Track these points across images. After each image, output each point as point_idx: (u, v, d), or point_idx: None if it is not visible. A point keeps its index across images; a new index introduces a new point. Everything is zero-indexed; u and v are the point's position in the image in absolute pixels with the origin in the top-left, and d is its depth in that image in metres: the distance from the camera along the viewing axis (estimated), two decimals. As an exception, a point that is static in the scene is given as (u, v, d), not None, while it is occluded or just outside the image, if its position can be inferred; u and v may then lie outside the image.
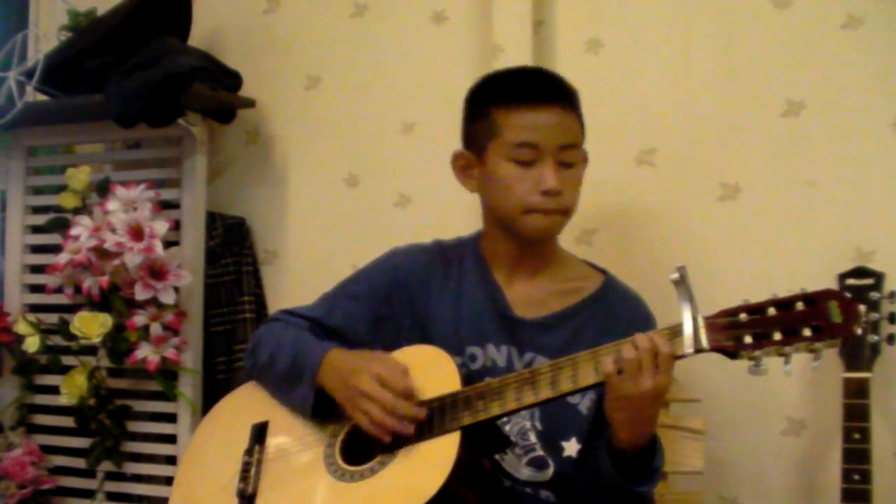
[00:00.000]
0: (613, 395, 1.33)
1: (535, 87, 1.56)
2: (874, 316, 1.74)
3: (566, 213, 1.57)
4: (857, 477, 1.69)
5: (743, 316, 1.29)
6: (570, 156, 1.55)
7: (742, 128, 1.97)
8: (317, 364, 1.52)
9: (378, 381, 1.43)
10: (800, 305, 1.26)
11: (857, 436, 1.70)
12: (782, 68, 1.95)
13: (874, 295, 1.75)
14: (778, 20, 1.95)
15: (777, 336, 1.26)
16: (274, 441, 1.58)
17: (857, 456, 1.70)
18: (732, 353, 1.29)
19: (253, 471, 1.55)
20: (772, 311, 1.28)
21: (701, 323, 1.30)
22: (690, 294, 1.30)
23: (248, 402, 1.67)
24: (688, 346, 1.30)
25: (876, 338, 1.73)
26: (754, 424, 1.94)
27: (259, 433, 1.60)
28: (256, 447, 1.58)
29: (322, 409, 1.53)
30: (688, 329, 1.30)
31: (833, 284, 1.79)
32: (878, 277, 1.76)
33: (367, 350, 1.55)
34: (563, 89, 1.59)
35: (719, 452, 1.93)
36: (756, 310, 1.29)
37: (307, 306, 1.71)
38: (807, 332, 1.25)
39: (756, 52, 1.97)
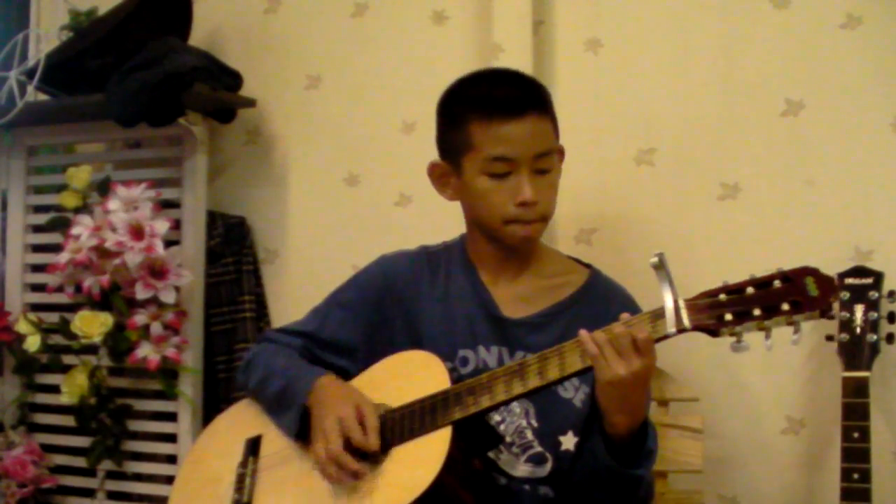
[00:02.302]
0: (601, 380, 1.35)
1: (506, 98, 1.54)
2: (873, 315, 1.74)
3: (545, 219, 1.58)
4: (856, 476, 1.69)
5: (722, 296, 1.31)
6: (546, 162, 1.55)
7: (741, 127, 1.98)
8: (308, 388, 1.54)
9: (339, 425, 1.45)
10: (777, 283, 1.29)
11: (856, 435, 1.70)
12: (781, 68, 1.95)
13: (873, 294, 1.75)
14: (777, 20, 1.95)
15: (757, 312, 1.29)
16: (268, 453, 1.60)
17: (856, 455, 1.70)
18: (714, 331, 1.31)
19: (248, 481, 1.57)
20: (750, 290, 1.30)
21: (682, 304, 1.33)
22: (670, 277, 1.33)
23: (242, 419, 1.68)
24: (670, 326, 1.32)
25: (875, 337, 1.73)
26: (753, 423, 1.95)
27: (253, 446, 1.62)
28: (250, 459, 1.60)
29: (307, 431, 1.54)
30: (669, 310, 1.32)
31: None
32: (877, 277, 1.77)
33: (352, 388, 1.54)
34: (535, 95, 1.57)
35: (718, 451, 1.94)
36: (735, 290, 1.31)
37: (300, 321, 1.73)
38: (785, 307, 1.27)
39: (755, 52, 1.97)
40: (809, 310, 1.27)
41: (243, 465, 1.60)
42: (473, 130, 1.54)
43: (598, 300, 1.61)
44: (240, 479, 1.58)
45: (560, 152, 1.61)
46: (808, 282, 1.28)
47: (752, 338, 1.30)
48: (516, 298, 1.62)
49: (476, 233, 1.64)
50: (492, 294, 1.62)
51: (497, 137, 1.52)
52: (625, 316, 1.37)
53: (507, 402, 1.45)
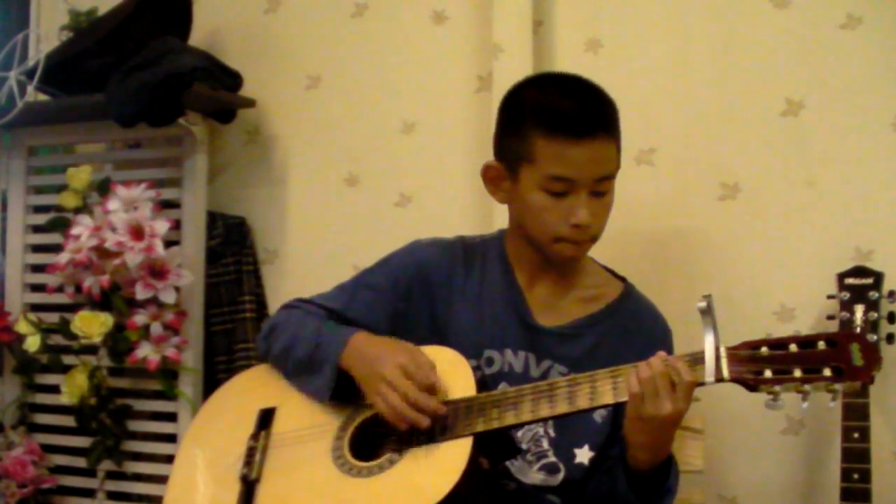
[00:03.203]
0: (633, 416, 1.34)
1: (577, 116, 1.48)
2: (873, 315, 1.74)
3: (594, 240, 1.56)
4: (856, 476, 1.69)
5: (764, 350, 1.30)
6: (605, 185, 1.51)
7: (741, 127, 1.98)
8: (341, 347, 1.51)
9: (403, 372, 1.42)
10: (822, 345, 1.28)
11: (856, 435, 1.70)
12: (782, 68, 1.95)
13: (873, 294, 1.75)
14: (777, 20, 1.95)
15: (797, 373, 1.27)
16: (281, 428, 1.57)
17: (856, 455, 1.70)
18: (752, 386, 1.30)
19: (258, 456, 1.54)
20: (793, 347, 1.29)
21: (723, 353, 1.31)
22: (715, 323, 1.31)
23: (257, 386, 1.66)
24: (709, 375, 1.30)
25: (875, 337, 1.73)
26: (754, 423, 1.94)
27: (266, 418, 1.59)
28: (262, 433, 1.57)
29: (340, 393, 1.52)
30: (709, 358, 1.31)
31: (832, 284, 1.79)
32: (878, 277, 1.77)
33: (391, 338, 1.53)
34: (605, 116, 1.51)
35: (719, 451, 1.94)
36: (778, 344, 1.30)
37: (325, 295, 1.69)
38: (827, 373, 1.26)
39: (755, 52, 1.97)
40: (851, 380, 1.25)
41: (254, 437, 1.57)
42: (536, 143, 1.49)
43: (630, 316, 1.60)
44: (250, 453, 1.55)
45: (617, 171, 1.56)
46: (853, 349, 1.26)
47: (789, 397, 1.29)
48: (550, 306, 1.60)
49: (519, 237, 1.60)
50: (527, 299, 1.60)
51: (560, 157, 1.47)
52: (662, 354, 1.35)
53: (531, 423, 1.44)
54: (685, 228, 2.01)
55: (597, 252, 2.00)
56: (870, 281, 1.76)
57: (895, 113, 1.87)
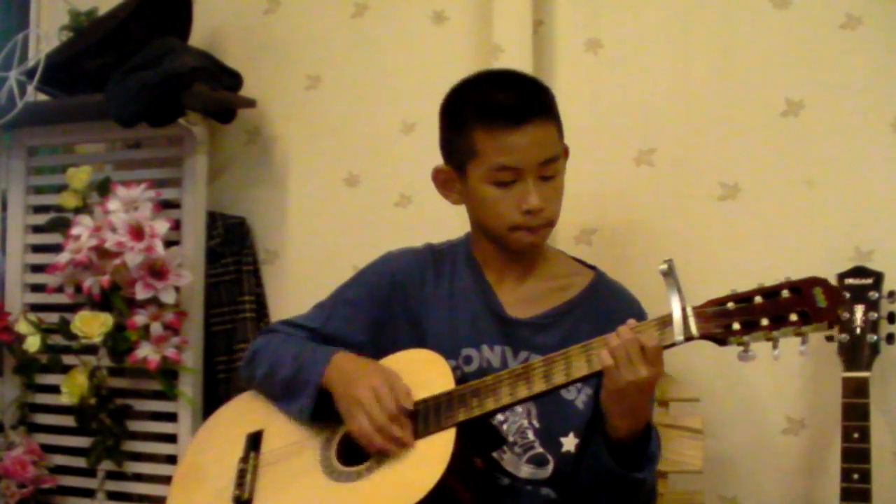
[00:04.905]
0: (611, 387, 1.35)
1: (510, 105, 1.52)
2: (873, 315, 1.74)
3: (551, 224, 1.58)
4: (856, 476, 1.69)
5: (731, 305, 1.32)
6: (551, 168, 1.54)
7: (741, 128, 1.98)
8: (323, 366, 1.53)
9: (374, 395, 1.45)
10: (786, 293, 1.30)
11: (856, 435, 1.70)
12: (781, 68, 1.95)
13: (873, 294, 1.75)
14: (777, 20, 1.95)
15: (764, 322, 1.29)
16: (269, 448, 1.59)
17: (856, 455, 1.70)
18: (721, 340, 1.32)
19: (248, 477, 1.56)
20: (758, 299, 1.31)
21: (690, 312, 1.33)
22: (678, 285, 1.34)
23: (242, 413, 1.68)
24: (678, 334, 1.32)
25: (875, 337, 1.73)
26: (753, 424, 1.95)
27: (254, 441, 1.61)
28: (252, 454, 1.59)
29: (321, 413, 1.54)
30: (677, 318, 1.33)
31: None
32: (877, 277, 1.77)
33: (371, 359, 1.55)
34: (539, 101, 1.55)
35: (718, 452, 1.94)
36: (743, 298, 1.32)
37: (304, 315, 1.72)
38: (793, 318, 1.28)
39: (755, 52, 1.97)
40: (817, 321, 1.28)
41: (244, 459, 1.59)
42: (477, 138, 1.53)
43: (603, 302, 1.61)
44: (240, 475, 1.57)
45: (565, 152, 1.60)
46: (816, 292, 1.29)
47: (760, 347, 1.31)
48: (521, 299, 1.62)
49: (481, 235, 1.64)
50: (497, 294, 1.62)
51: (501, 146, 1.51)
52: (632, 322, 1.37)
53: (511, 406, 1.45)
54: (684, 228, 2.01)
55: (596, 251, 2.02)
56: (870, 281, 1.76)
57: (895, 113, 1.87)
